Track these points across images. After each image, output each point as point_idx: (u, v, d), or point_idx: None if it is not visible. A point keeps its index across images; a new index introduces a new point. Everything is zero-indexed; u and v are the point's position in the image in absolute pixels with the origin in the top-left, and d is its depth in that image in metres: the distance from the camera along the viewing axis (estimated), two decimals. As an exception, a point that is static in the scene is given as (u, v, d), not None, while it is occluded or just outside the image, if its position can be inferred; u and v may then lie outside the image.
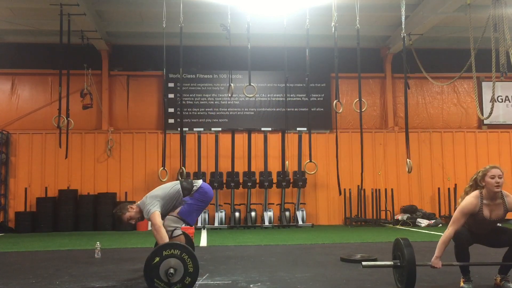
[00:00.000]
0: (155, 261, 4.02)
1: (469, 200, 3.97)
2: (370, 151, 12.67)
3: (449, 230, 3.96)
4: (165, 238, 4.40)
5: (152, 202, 4.63)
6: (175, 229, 4.67)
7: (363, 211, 12.17)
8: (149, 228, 5.24)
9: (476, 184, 4.03)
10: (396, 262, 4.06)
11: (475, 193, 3.98)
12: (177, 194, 4.79)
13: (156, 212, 4.55)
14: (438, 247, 3.97)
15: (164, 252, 4.05)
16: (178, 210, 4.76)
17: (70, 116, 10.35)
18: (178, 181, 4.93)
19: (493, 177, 3.89)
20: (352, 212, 12.18)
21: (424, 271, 5.06)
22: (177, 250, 4.06)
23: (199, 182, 4.94)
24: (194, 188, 4.84)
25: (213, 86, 12.93)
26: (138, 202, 4.83)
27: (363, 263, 4.20)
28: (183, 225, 4.79)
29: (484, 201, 3.93)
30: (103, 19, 11.88)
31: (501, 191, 3.95)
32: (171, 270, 4.00)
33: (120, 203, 4.95)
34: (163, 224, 4.61)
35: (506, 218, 4.17)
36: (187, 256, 4.07)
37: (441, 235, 4.08)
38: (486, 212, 3.91)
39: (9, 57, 12.69)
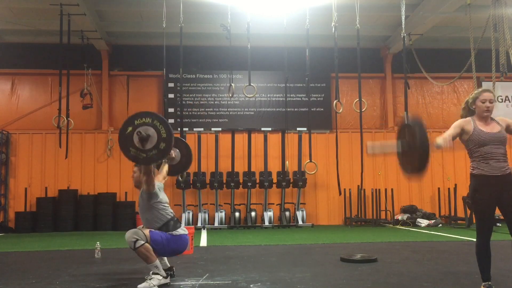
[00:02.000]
0: (128, 131, 4.07)
1: (461, 119, 3.85)
2: (370, 151, 12.65)
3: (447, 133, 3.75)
4: (153, 182, 4.43)
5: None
6: (137, 240, 4.28)
7: (363, 211, 12.16)
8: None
9: (468, 108, 3.89)
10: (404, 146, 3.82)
11: (467, 118, 3.83)
12: (159, 220, 4.51)
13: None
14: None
15: (135, 121, 4.11)
16: (149, 231, 4.42)
17: (70, 116, 10.35)
18: (172, 214, 4.63)
19: (484, 101, 3.75)
20: (352, 212, 12.18)
21: (426, 271, 5.07)
22: (148, 118, 4.10)
23: (183, 231, 4.62)
24: (174, 232, 4.52)
25: (213, 86, 12.93)
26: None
27: (368, 143, 4.34)
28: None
29: (477, 122, 3.77)
30: (103, 19, 11.88)
31: (491, 117, 3.78)
32: (143, 134, 4.05)
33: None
34: (127, 234, 4.34)
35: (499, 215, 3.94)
36: (158, 123, 4.10)
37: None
38: (482, 127, 3.72)
39: (9, 57, 12.66)
